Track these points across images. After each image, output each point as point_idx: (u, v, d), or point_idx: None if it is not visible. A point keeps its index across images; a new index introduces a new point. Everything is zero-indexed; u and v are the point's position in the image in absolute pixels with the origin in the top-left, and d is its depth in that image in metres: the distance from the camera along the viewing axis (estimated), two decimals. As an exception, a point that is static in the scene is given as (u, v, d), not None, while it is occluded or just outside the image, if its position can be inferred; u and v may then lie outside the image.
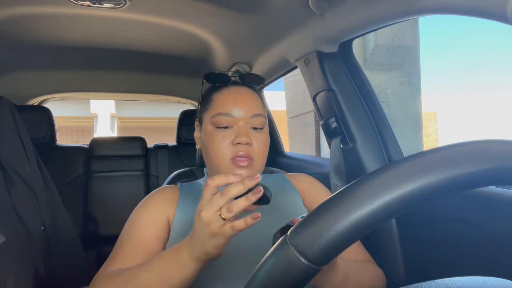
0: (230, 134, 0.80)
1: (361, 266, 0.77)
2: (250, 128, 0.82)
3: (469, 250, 0.76)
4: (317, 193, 0.91)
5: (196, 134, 0.90)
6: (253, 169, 0.81)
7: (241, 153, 0.79)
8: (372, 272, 0.79)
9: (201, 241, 0.59)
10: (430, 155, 0.31)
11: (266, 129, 0.87)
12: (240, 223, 0.56)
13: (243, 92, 0.85)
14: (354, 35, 1.00)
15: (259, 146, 0.82)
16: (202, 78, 0.88)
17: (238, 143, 0.79)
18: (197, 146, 0.90)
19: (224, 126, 0.81)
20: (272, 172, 1.06)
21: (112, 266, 0.72)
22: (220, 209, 0.57)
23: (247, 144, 0.79)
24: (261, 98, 0.90)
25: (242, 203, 0.56)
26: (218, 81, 0.87)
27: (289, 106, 3.51)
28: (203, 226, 0.57)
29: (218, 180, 0.58)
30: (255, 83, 0.90)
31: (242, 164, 0.79)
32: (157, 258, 0.65)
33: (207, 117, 0.84)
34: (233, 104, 0.82)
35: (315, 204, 0.88)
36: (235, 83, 0.88)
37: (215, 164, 0.82)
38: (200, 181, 0.92)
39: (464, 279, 0.32)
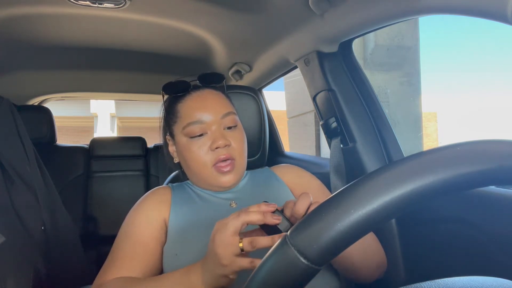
0: (206, 141, 0.79)
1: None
2: (224, 129, 0.81)
3: (469, 250, 0.76)
4: (305, 181, 0.90)
5: (171, 148, 0.87)
6: (237, 170, 0.80)
7: (222, 156, 0.78)
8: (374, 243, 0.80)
9: (212, 266, 0.57)
10: (430, 155, 0.31)
11: (240, 125, 0.85)
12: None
13: (206, 95, 0.83)
14: (354, 35, 1.00)
15: (237, 144, 0.81)
16: (161, 91, 0.85)
17: (217, 148, 0.78)
18: (175, 160, 0.87)
19: (198, 134, 0.79)
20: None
21: (112, 270, 0.72)
22: (241, 239, 0.55)
23: (226, 146, 0.78)
24: (226, 95, 0.88)
25: (266, 242, 0.54)
26: (178, 90, 0.84)
27: (289, 106, 3.51)
28: (217, 249, 0.56)
29: (253, 217, 0.55)
30: (215, 82, 0.87)
31: (225, 169, 0.78)
32: (168, 277, 0.65)
33: (177, 129, 0.82)
34: (200, 110, 0.80)
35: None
36: (196, 88, 0.85)
37: (198, 174, 0.81)
38: (187, 181, 0.91)
39: (464, 279, 0.32)
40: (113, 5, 1.03)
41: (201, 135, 0.79)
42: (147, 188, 1.98)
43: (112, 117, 9.45)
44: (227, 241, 0.55)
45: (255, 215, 0.55)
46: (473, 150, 0.31)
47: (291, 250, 0.31)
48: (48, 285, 1.09)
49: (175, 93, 0.85)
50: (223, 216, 0.79)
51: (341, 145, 1.10)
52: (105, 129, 9.16)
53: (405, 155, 1.05)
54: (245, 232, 0.61)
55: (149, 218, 0.78)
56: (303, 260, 0.30)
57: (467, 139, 0.32)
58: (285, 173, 0.92)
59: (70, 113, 8.86)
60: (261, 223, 0.56)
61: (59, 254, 1.19)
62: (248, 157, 0.89)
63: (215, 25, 1.19)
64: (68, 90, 2.03)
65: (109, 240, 0.88)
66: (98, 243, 1.82)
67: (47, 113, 1.76)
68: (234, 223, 0.56)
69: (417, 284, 0.32)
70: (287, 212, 0.59)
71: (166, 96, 0.88)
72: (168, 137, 0.88)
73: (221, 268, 0.56)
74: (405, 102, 2.52)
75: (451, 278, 0.33)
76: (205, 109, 0.80)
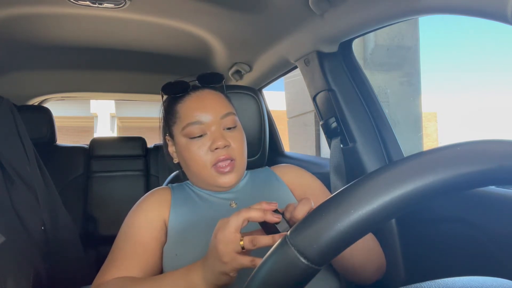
0: (206, 141, 0.79)
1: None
2: (223, 129, 0.80)
3: (469, 250, 0.76)
4: (305, 181, 0.90)
5: (170, 148, 0.87)
6: (237, 170, 0.80)
7: (222, 157, 0.77)
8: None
9: (213, 264, 0.58)
10: (430, 155, 0.31)
11: (239, 125, 0.85)
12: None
13: (206, 95, 0.82)
14: (354, 35, 1.00)
15: (237, 145, 0.81)
16: (161, 91, 0.85)
17: (216, 148, 0.78)
18: (175, 161, 0.87)
19: (198, 135, 0.79)
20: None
21: (112, 270, 0.72)
22: (242, 237, 0.56)
23: (225, 146, 0.78)
24: (226, 96, 0.88)
25: (266, 241, 0.54)
26: (177, 91, 0.84)
27: (289, 106, 3.51)
28: (218, 246, 0.56)
29: (254, 214, 0.57)
30: (214, 82, 0.87)
31: (225, 170, 0.78)
32: (169, 276, 0.65)
33: (177, 130, 0.82)
34: (200, 111, 0.79)
35: (305, 194, 0.87)
36: (196, 88, 0.85)
37: (198, 174, 0.81)
38: (187, 182, 0.91)
39: (464, 279, 0.32)
40: (113, 5, 1.03)
41: (200, 135, 0.79)
42: (147, 188, 1.98)
43: (112, 117, 9.45)
44: (229, 238, 0.55)
45: (255, 212, 0.56)
46: (473, 150, 0.31)
47: (291, 250, 0.31)
48: (48, 285, 1.09)
49: (174, 94, 0.85)
50: (223, 216, 0.79)
51: (341, 145, 1.10)
52: (105, 129, 9.16)
53: (405, 155, 1.05)
54: (246, 232, 0.62)
55: (149, 219, 0.78)
56: (303, 260, 0.30)
57: (467, 139, 0.32)
58: (285, 173, 0.92)
59: (70, 113, 8.86)
60: (261, 220, 0.56)
61: (59, 254, 1.19)
62: (248, 157, 0.89)
63: (215, 25, 1.19)
64: (68, 90, 2.03)
65: (109, 240, 0.87)
66: (98, 243, 1.82)
67: (47, 113, 1.76)
68: (235, 220, 0.56)
69: (417, 284, 0.32)
70: (287, 215, 0.59)
71: (165, 97, 0.88)
72: (167, 137, 0.87)
73: (221, 265, 0.56)
74: (405, 102, 2.53)
75: (451, 278, 0.33)
76: (204, 110, 0.80)
